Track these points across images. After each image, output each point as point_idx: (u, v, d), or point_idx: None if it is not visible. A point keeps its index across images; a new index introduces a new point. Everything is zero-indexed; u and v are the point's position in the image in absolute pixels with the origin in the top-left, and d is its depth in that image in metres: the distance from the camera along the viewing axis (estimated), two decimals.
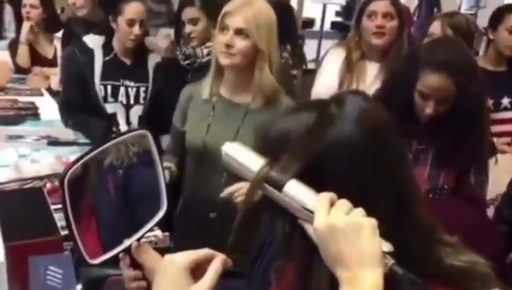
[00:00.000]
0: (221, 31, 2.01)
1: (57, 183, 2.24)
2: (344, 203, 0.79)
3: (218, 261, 0.88)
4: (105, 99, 2.86)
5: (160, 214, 1.19)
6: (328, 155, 0.81)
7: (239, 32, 1.99)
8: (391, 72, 2.17)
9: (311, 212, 0.80)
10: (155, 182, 1.22)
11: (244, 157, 0.89)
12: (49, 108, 3.24)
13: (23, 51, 3.78)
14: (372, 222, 0.77)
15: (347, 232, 0.76)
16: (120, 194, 2.06)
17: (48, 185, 2.18)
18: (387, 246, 0.78)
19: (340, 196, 0.80)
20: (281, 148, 0.84)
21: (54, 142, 2.76)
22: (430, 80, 1.79)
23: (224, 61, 2.01)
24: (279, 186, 0.83)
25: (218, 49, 2.02)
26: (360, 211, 0.78)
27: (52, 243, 1.20)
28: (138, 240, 1.16)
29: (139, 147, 1.83)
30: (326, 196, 0.80)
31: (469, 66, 1.85)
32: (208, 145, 2.07)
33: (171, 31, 3.50)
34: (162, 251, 1.22)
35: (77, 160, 1.06)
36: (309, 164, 0.81)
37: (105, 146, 1.14)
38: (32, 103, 3.27)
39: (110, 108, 2.87)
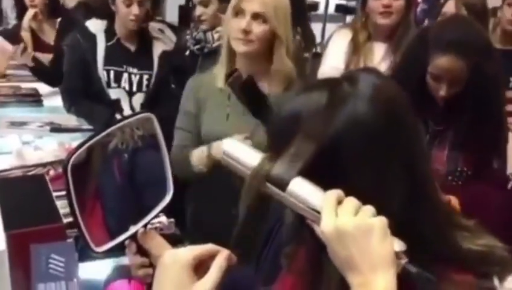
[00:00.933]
0: (236, 16, 1.91)
1: (60, 170, 2.22)
2: (352, 202, 0.75)
3: (222, 257, 0.83)
4: (108, 85, 2.83)
5: (167, 199, 1.15)
6: (342, 135, 0.77)
7: (256, 16, 1.90)
8: (402, 54, 2.13)
9: (318, 212, 0.76)
10: (161, 166, 1.18)
11: (244, 154, 0.84)
12: (51, 94, 3.21)
13: (26, 38, 3.74)
14: (382, 222, 0.73)
15: (356, 236, 0.73)
16: (125, 179, 2.05)
17: (51, 172, 2.16)
18: (399, 245, 0.75)
19: (355, 179, 0.77)
20: (292, 130, 0.80)
21: (56, 128, 2.73)
22: (440, 62, 1.75)
23: (242, 48, 1.92)
24: (283, 186, 0.78)
25: (233, 35, 1.92)
26: (369, 210, 0.75)
27: (55, 231, 1.17)
28: (144, 226, 1.14)
29: (144, 131, 1.80)
30: (333, 194, 0.76)
31: (482, 45, 1.79)
32: (229, 135, 2.01)
33: None
34: (168, 238, 1.20)
35: (81, 145, 1.03)
36: (323, 146, 0.77)
37: (109, 130, 1.10)
38: (35, 90, 3.25)
39: (113, 94, 2.84)
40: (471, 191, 1.78)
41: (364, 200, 0.76)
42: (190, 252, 0.82)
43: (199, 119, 2.07)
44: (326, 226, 0.74)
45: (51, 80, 3.23)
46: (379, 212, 0.75)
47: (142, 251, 1.14)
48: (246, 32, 1.89)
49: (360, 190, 0.77)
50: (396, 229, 0.75)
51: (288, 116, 0.83)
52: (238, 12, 1.91)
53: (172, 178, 1.19)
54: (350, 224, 0.73)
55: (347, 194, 0.76)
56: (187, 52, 2.96)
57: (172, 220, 1.89)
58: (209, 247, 0.84)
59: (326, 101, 0.79)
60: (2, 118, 2.80)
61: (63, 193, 1.59)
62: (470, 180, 1.87)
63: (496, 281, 0.82)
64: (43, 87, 3.32)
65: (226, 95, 2.02)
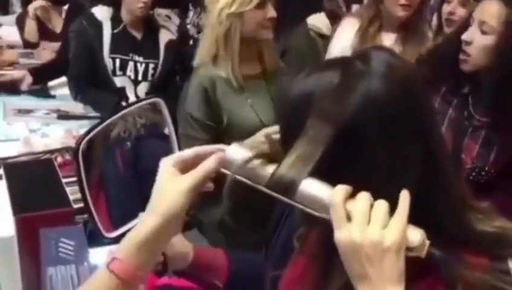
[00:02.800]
0: (259, 8, 2.03)
1: (67, 157, 2.22)
2: (362, 206, 0.73)
3: (212, 159, 0.82)
4: (113, 73, 2.82)
5: None
6: (358, 114, 0.76)
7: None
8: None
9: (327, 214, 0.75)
10: (168, 150, 1.18)
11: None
12: (58, 82, 3.20)
13: (31, 26, 3.73)
14: (398, 243, 0.72)
15: (371, 255, 0.71)
16: (128, 167, 2.04)
17: (59, 159, 2.16)
18: (419, 232, 0.74)
19: (370, 159, 0.76)
20: (303, 110, 0.78)
21: (64, 116, 2.73)
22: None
23: (270, 34, 2.10)
24: (290, 194, 0.76)
25: (262, 24, 2.05)
26: (382, 213, 0.72)
27: (64, 215, 1.16)
28: None
29: (146, 119, 1.80)
30: (339, 195, 0.73)
31: None
32: (265, 122, 2.06)
33: None
34: None
35: (92, 129, 1.03)
36: (339, 127, 0.75)
37: (120, 114, 1.10)
38: None
39: (118, 82, 2.83)
40: (493, 193, 1.74)
41: (379, 181, 0.75)
42: (177, 153, 0.84)
43: (218, 119, 2.08)
44: (340, 239, 0.73)
45: (61, 72, 3.18)
46: (394, 194, 0.74)
47: None
48: (273, 20, 2.06)
49: (375, 170, 0.76)
50: (411, 211, 0.74)
51: (300, 97, 0.81)
52: (260, 4, 2.03)
53: None
54: (366, 242, 0.71)
55: (362, 176, 0.75)
56: (191, 42, 2.94)
57: None
58: (196, 149, 0.85)
59: (340, 80, 0.78)
60: (9, 106, 2.80)
61: (71, 179, 1.59)
62: (492, 182, 1.82)
63: (511, 264, 0.81)
64: None
65: (241, 88, 2.08)
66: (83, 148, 0.98)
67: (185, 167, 0.84)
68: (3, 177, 1.41)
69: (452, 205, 0.81)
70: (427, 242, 0.73)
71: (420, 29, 2.43)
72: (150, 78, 2.85)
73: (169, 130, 1.17)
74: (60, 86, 3.14)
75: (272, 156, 0.80)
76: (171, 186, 0.81)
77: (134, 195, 1.76)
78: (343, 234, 0.72)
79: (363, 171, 0.76)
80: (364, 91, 0.76)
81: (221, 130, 2.09)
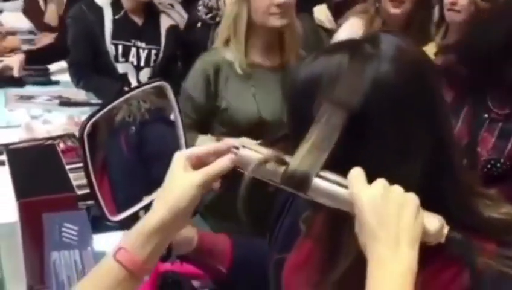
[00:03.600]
0: None
1: (69, 143, 2.22)
2: (382, 180, 0.73)
3: (228, 157, 0.83)
4: (116, 59, 2.81)
5: None
6: (367, 98, 0.75)
7: None
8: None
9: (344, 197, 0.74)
10: (173, 135, 1.17)
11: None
12: (59, 69, 3.19)
13: (52, 10, 3.71)
14: (417, 205, 0.72)
15: (391, 212, 0.70)
16: (133, 152, 2.02)
17: (61, 145, 2.15)
18: (437, 218, 0.73)
19: (379, 143, 0.75)
20: (311, 94, 0.77)
21: (65, 102, 2.72)
22: None
23: (278, 22, 1.96)
24: (304, 186, 0.75)
25: (269, 11, 1.95)
26: (398, 187, 0.73)
27: (67, 200, 1.16)
28: None
29: (151, 104, 1.78)
30: (359, 170, 0.73)
31: None
32: (264, 116, 2.00)
33: None
34: None
35: (96, 112, 1.02)
36: (351, 112, 0.74)
37: (124, 97, 1.09)
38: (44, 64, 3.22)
39: (120, 68, 2.82)
40: (505, 184, 1.72)
41: (388, 166, 0.74)
42: (192, 149, 0.86)
43: (214, 104, 2.05)
44: (360, 194, 0.72)
45: (58, 57, 3.16)
46: (403, 179, 0.73)
47: None
48: (282, 6, 1.94)
49: (383, 155, 0.75)
50: (419, 196, 0.73)
51: (307, 80, 0.80)
52: None
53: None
54: (387, 194, 0.71)
55: (370, 160, 0.75)
56: (199, 24, 2.91)
57: None
58: (213, 146, 0.85)
59: (348, 63, 0.77)
60: (11, 92, 2.80)
61: (73, 165, 1.59)
62: (506, 174, 1.79)
63: None
64: None
65: (247, 76, 2.03)
66: (88, 132, 0.98)
67: (198, 162, 0.84)
68: (6, 162, 1.40)
69: (460, 191, 0.81)
70: (446, 227, 0.73)
71: (424, 29, 2.38)
72: (152, 64, 2.84)
73: (174, 114, 1.16)
74: (61, 72, 3.12)
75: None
76: (183, 180, 0.82)
77: (138, 179, 1.75)
78: (365, 191, 0.71)
79: (372, 156, 0.75)
80: (374, 74, 0.75)
81: (213, 114, 2.08)
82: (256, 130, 1.97)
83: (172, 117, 1.23)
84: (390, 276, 0.69)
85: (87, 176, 0.94)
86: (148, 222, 0.81)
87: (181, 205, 0.81)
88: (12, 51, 3.46)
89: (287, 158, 0.77)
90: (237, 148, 0.83)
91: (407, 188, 0.73)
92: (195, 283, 1.31)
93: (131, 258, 0.79)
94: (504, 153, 1.79)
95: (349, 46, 0.80)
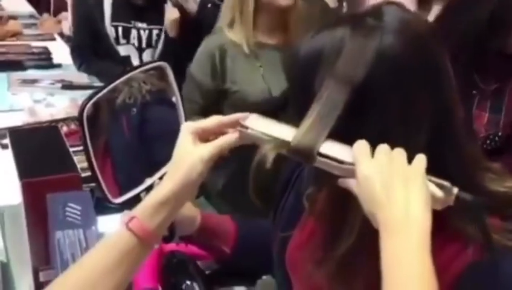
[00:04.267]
0: None
1: (73, 126, 2.21)
2: (386, 148, 0.72)
3: (234, 134, 0.83)
4: (117, 41, 2.79)
5: None
6: (371, 71, 0.74)
7: None
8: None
9: (350, 164, 0.73)
10: (174, 117, 1.17)
11: (268, 128, 0.80)
12: (61, 53, 3.19)
13: None
14: (423, 168, 0.71)
15: (398, 177, 0.70)
16: (134, 134, 2.03)
17: (64, 128, 2.15)
18: (444, 181, 0.72)
19: (382, 114, 0.74)
20: (313, 69, 0.77)
21: (68, 86, 2.72)
22: None
23: (286, 2, 1.95)
24: (310, 158, 0.75)
25: None
26: (402, 153, 0.72)
27: (71, 180, 1.16)
28: (160, 178, 1.12)
29: (152, 85, 1.77)
30: (363, 142, 0.73)
31: None
32: (275, 95, 1.99)
33: None
34: None
35: (96, 93, 1.01)
36: (354, 86, 0.74)
37: (124, 77, 1.08)
38: (45, 48, 3.23)
39: (122, 50, 2.81)
40: (503, 157, 1.71)
41: (392, 137, 0.74)
42: (199, 121, 0.86)
43: (223, 87, 2.03)
44: (365, 167, 0.71)
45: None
46: (407, 149, 0.73)
47: None
48: None
49: (388, 127, 0.74)
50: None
51: (309, 54, 0.79)
52: None
53: None
54: (394, 163, 0.71)
55: (375, 133, 0.74)
56: (209, 5, 2.88)
57: None
58: (220, 118, 0.85)
59: (350, 36, 0.76)
60: (13, 76, 2.79)
61: (76, 148, 1.58)
62: (503, 147, 1.78)
63: None
64: (53, 46, 3.30)
65: (254, 56, 2.01)
66: (87, 113, 0.97)
67: (204, 135, 0.85)
68: (9, 145, 1.40)
69: (464, 164, 0.80)
70: (455, 188, 0.72)
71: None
72: (154, 44, 2.82)
73: (175, 96, 1.15)
74: (64, 56, 3.12)
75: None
76: (191, 153, 0.83)
77: (140, 161, 1.76)
78: (368, 164, 0.71)
79: (376, 129, 0.75)
80: (377, 47, 0.74)
81: (222, 98, 2.06)
82: (267, 110, 1.96)
83: (173, 99, 1.23)
84: (406, 241, 0.68)
85: (87, 157, 0.94)
86: (158, 193, 0.84)
87: (188, 177, 0.82)
88: (15, 35, 3.46)
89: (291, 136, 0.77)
90: (244, 127, 0.83)
91: (411, 161, 0.72)
92: (200, 264, 1.31)
93: (141, 226, 0.81)
94: (499, 126, 1.79)
95: (351, 19, 0.79)
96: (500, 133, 1.78)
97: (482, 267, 0.76)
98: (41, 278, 1.18)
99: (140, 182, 1.11)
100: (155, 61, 1.17)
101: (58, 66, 3.06)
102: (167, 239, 1.19)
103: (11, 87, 2.69)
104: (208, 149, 0.83)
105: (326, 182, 0.82)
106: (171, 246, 1.28)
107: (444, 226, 0.76)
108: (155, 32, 2.82)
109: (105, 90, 1.01)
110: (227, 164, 2.02)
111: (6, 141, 1.91)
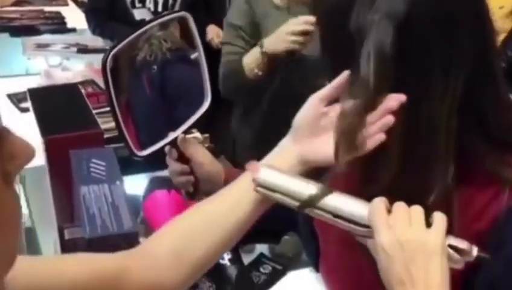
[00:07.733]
0: None
1: (90, 89, 2.20)
2: (403, 210, 0.71)
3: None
4: (133, 4, 2.76)
5: (206, 104, 1.12)
6: (413, 11, 0.70)
7: None
8: None
9: (365, 226, 0.73)
10: (197, 72, 1.14)
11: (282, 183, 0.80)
12: (75, 17, 3.17)
13: None
14: (442, 243, 0.69)
15: (416, 255, 0.68)
16: (156, 91, 2.02)
17: (82, 92, 2.14)
18: (463, 240, 0.71)
19: (426, 55, 0.71)
20: (347, 6, 0.73)
21: (83, 50, 2.70)
22: None
23: None
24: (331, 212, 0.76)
25: None
26: (420, 216, 0.70)
27: (94, 137, 1.15)
28: (184, 133, 1.11)
29: (172, 44, 1.75)
30: (380, 203, 0.71)
31: None
32: (304, 52, 1.86)
33: None
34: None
35: (117, 44, 0.99)
36: (396, 22, 0.70)
37: (145, 28, 1.06)
38: (59, 13, 3.21)
39: (138, 14, 2.77)
40: None
41: (434, 78, 0.71)
42: (321, 91, 0.83)
43: (255, 35, 1.98)
44: (383, 241, 0.69)
45: None
46: (445, 93, 0.71)
47: (182, 159, 1.12)
48: None
49: (430, 66, 0.72)
50: (459, 109, 0.71)
51: None
52: None
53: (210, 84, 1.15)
54: (411, 240, 0.69)
55: (417, 73, 0.72)
56: None
57: (207, 135, 1.86)
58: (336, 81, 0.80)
59: None
60: (28, 41, 2.78)
61: (96, 111, 1.57)
62: None
63: None
64: (65, 10, 3.28)
65: (286, 10, 1.92)
66: (110, 65, 0.95)
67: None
68: (30, 105, 1.39)
69: (501, 108, 0.78)
70: (475, 248, 0.71)
71: None
72: (170, 8, 2.78)
73: (197, 48, 1.12)
74: (77, 20, 3.10)
75: None
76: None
77: (162, 117, 1.75)
78: (387, 237, 0.69)
79: (419, 68, 0.72)
80: None
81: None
82: (296, 67, 1.92)
83: (195, 55, 1.20)
84: None
85: (112, 108, 0.93)
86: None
87: None
88: (26, 0, 3.44)
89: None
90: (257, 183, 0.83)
91: (450, 104, 0.71)
92: None
93: None
94: None
95: None
96: None
97: None
98: (67, 236, 1.17)
99: (164, 136, 1.09)
100: (177, 11, 1.14)
101: (73, 30, 3.03)
102: (192, 195, 1.18)
103: (26, 51, 2.68)
104: None
105: None
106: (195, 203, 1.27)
107: (481, 169, 0.74)
108: None
109: (125, 42, 0.99)
110: (255, 118, 2.01)
111: (25, 104, 1.90)
